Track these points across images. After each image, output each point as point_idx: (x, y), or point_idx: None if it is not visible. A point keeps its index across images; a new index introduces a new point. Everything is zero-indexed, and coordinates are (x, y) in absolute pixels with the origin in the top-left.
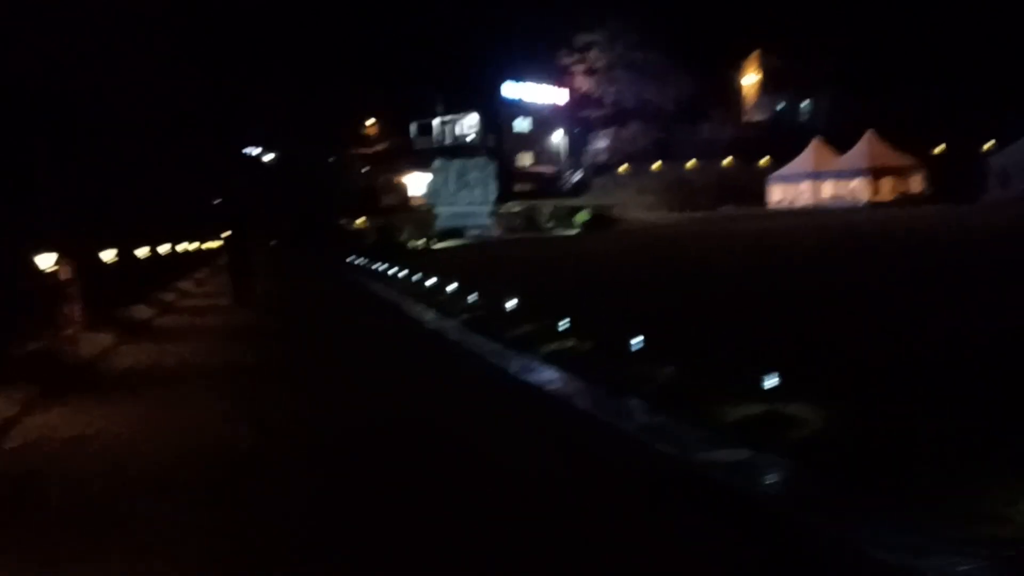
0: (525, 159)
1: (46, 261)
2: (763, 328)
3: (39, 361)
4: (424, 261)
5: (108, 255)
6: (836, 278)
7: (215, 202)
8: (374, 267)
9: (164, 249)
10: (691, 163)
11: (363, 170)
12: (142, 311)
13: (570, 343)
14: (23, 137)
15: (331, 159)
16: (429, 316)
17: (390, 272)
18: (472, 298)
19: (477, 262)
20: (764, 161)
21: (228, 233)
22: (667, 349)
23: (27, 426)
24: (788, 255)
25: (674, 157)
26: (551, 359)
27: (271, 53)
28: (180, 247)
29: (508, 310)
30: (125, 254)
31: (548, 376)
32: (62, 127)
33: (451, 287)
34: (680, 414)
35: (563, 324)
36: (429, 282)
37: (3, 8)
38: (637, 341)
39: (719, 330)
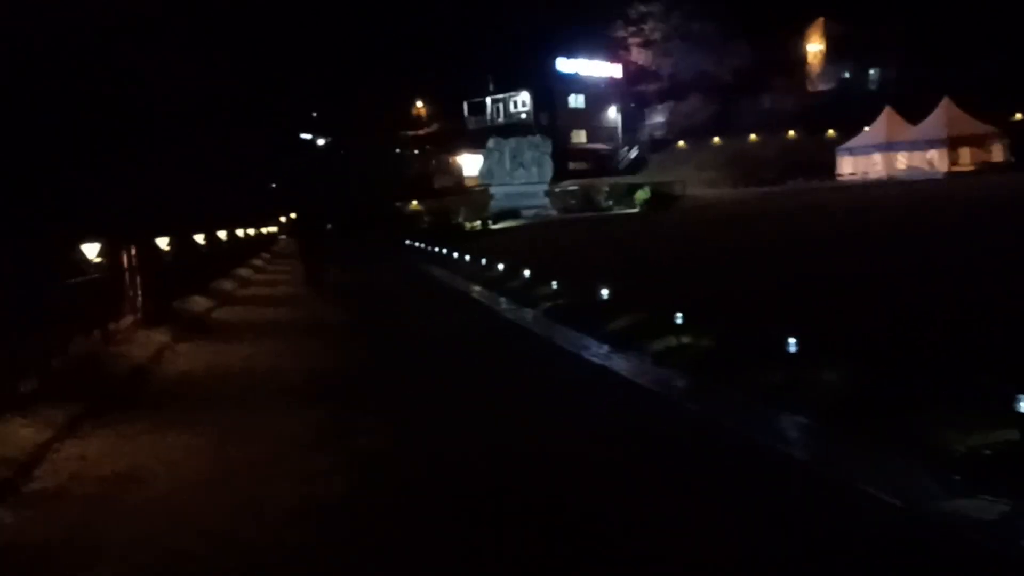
0: (579, 137)
1: (91, 251)
2: (931, 321)
3: (83, 367)
4: (483, 244)
5: (163, 242)
6: (986, 255)
7: (272, 186)
8: (433, 251)
9: (222, 235)
10: (753, 136)
11: (415, 152)
12: (200, 303)
13: (685, 339)
14: (76, 127)
15: (383, 142)
16: (503, 305)
17: (451, 256)
18: (552, 285)
19: (540, 244)
20: (830, 132)
21: (297, 217)
22: (811, 345)
23: (59, 459)
24: (904, 231)
25: (734, 130)
26: (666, 359)
27: (323, 37)
28: (238, 233)
29: (597, 299)
30: (181, 241)
31: (671, 381)
32: (114, 116)
33: (525, 273)
34: (876, 441)
35: (667, 315)
36: (496, 267)
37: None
38: (788, 341)
39: (864, 321)
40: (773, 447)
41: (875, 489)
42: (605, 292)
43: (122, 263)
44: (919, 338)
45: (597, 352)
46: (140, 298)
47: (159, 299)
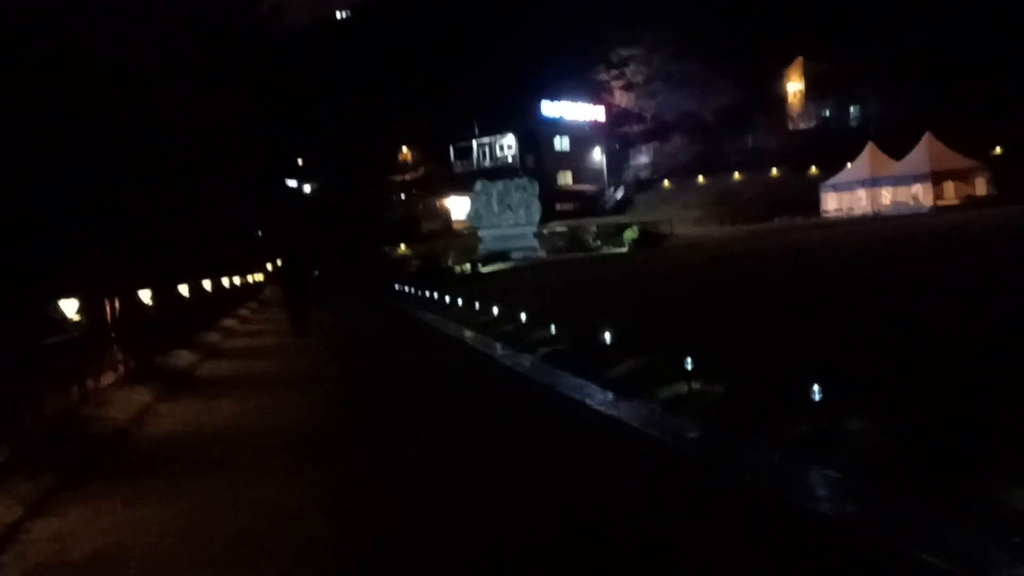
0: (565, 178)
1: (69, 307)
2: (943, 354)
3: (58, 432)
4: (474, 287)
5: (146, 294)
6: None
7: (258, 234)
8: (422, 295)
9: (207, 285)
10: (737, 175)
11: (403, 196)
12: (183, 357)
13: (696, 385)
14: (52, 170)
15: (370, 186)
16: (498, 351)
17: (441, 300)
18: (550, 329)
19: (532, 286)
20: (813, 170)
21: (282, 264)
22: (831, 389)
23: (33, 538)
24: (891, 262)
25: (718, 169)
26: (677, 407)
27: (308, 83)
28: (224, 282)
29: (598, 342)
30: (165, 292)
31: (686, 433)
32: (95, 161)
33: (520, 316)
34: (922, 498)
35: (672, 358)
36: (489, 311)
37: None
38: (808, 386)
39: (885, 366)
40: (804, 506)
41: (925, 553)
42: (606, 335)
43: (102, 317)
44: (933, 372)
45: (602, 400)
46: (122, 354)
47: (142, 354)
